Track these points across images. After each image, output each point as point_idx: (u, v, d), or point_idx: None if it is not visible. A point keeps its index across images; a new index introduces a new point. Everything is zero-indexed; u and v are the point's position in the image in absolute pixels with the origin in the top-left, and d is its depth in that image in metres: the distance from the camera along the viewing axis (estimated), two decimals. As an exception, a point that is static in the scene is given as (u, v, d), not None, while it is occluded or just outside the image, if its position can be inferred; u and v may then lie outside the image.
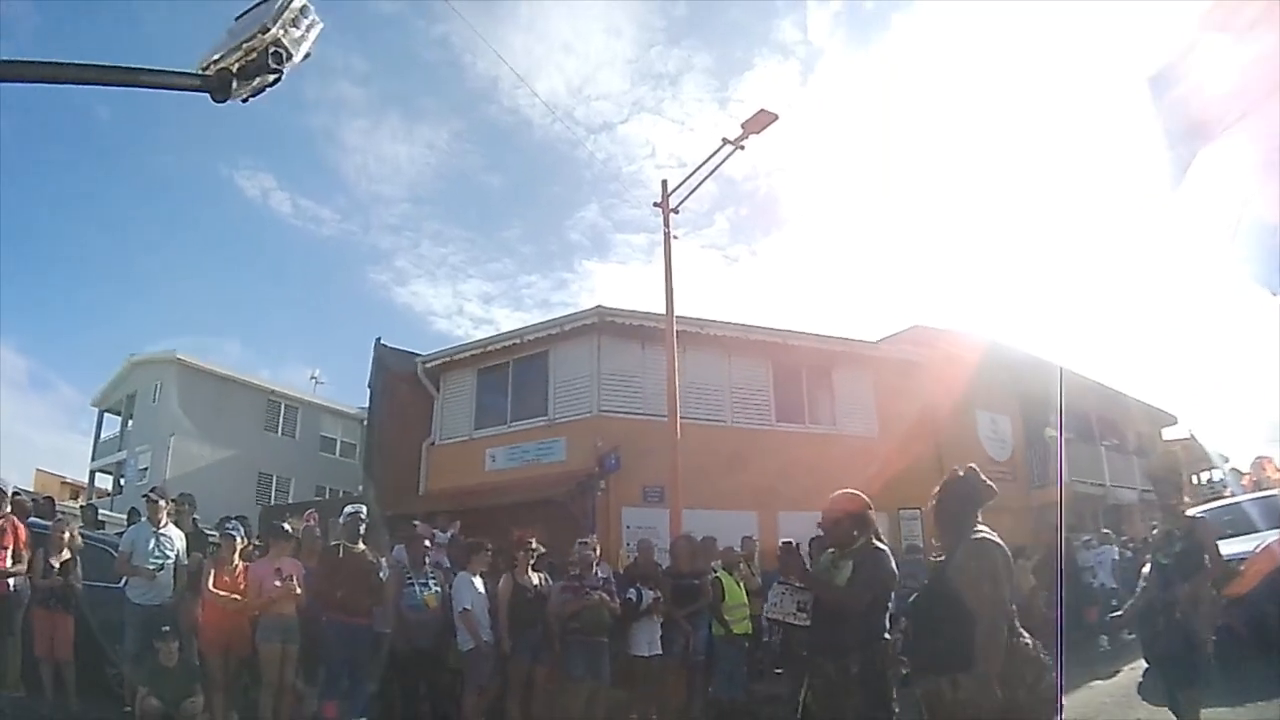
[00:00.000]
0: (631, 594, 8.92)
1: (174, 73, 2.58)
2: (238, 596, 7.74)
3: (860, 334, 19.36)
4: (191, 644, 7.72)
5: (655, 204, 13.37)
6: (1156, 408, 26.42)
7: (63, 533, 8.23)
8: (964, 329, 19.24)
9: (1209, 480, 28.02)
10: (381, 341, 18.33)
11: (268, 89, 2.65)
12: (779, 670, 8.69)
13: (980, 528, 3.59)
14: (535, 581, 8.61)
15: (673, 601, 9.15)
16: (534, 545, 8.77)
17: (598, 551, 9.30)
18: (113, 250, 60.27)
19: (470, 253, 73.54)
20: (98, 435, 31.07)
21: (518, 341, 15.75)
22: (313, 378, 32.11)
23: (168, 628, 7.60)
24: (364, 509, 8.68)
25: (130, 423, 29.07)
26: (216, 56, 2.63)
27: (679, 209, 13.20)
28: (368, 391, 19.51)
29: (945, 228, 70.67)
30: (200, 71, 2.61)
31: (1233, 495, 13.16)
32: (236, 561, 8.00)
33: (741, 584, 9.75)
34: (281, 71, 2.66)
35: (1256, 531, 9.84)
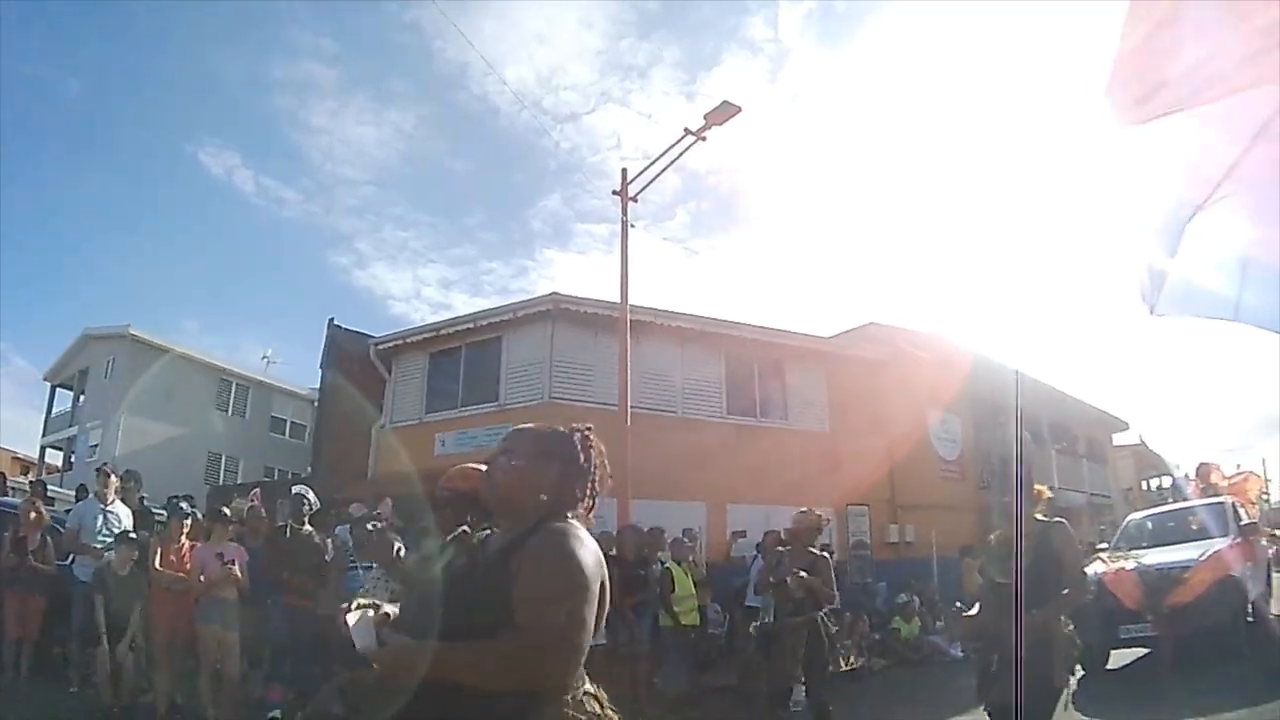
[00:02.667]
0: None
1: None
2: (183, 576, 7.61)
3: (816, 329, 19.46)
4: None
5: (614, 192, 13.31)
6: (1107, 413, 26.82)
7: (32, 512, 8.07)
8: (918, 328, 19.39)
9: (1159, 486, 28.53)
10: (334, 322, 18.16)
11: None
12: None
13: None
14: (476, 566, 8.58)
15: (620, 591, 9.16)
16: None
17: None
18: (74, 224, 59.15)
19: (432, 238, 73.07)
20: (49, 410, 30.51)
21: (471, 326, 15.61)
22: (264, 357, 31.83)
23: (133, 535, 7.69)
24: (310, 490, 8.65)
25: (82, 398, 28.60)
26: None
27: (638, 198, 13.14)
28: (319, 373, 19.35)
29: (904, 227, 71.32)
30: None
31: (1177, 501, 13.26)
32: (183, 541, 7.85)
33: (689, 575, 9.79)
34: None
35: (1203, 539, 9.85)
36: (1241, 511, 10.81)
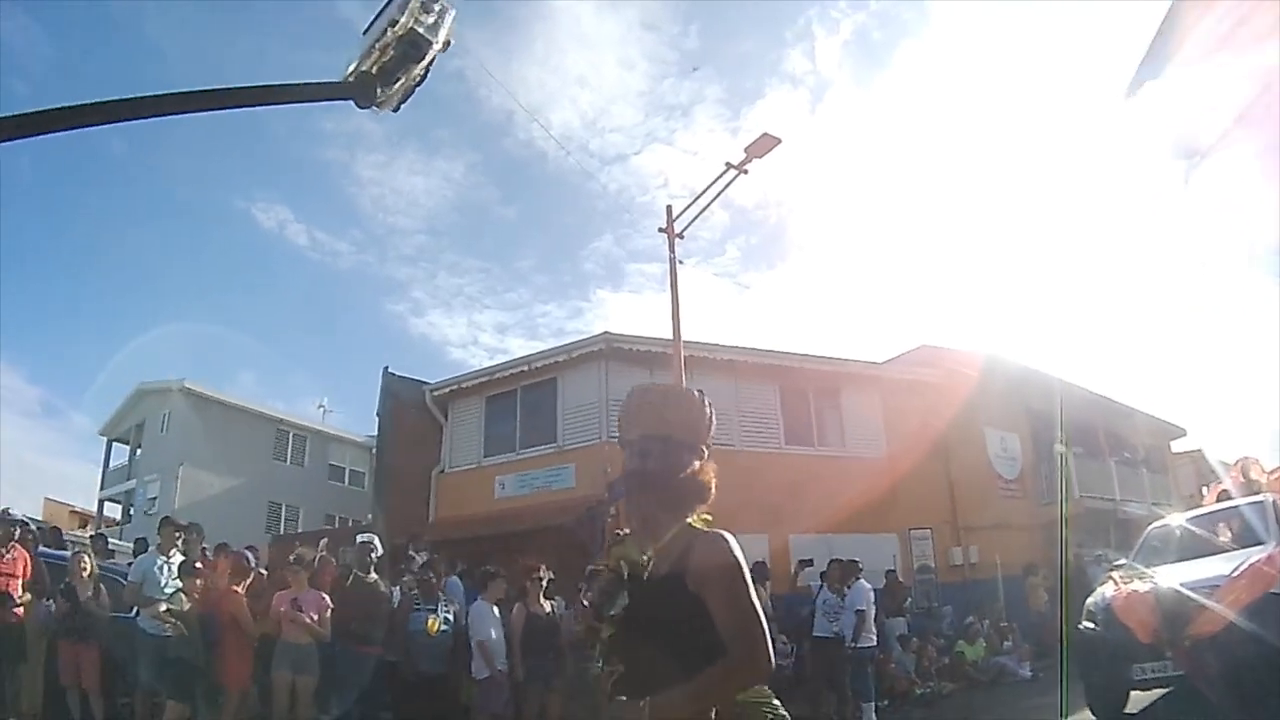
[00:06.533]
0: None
1: (317, 85, 2.53)
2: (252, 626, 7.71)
3: (868, 355, 19.37)
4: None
5: (660, 229, 13.42)
6: (1165, 420, 26.29)
7: (82, 563, 8.20)
8: (971, 347, 19.16)
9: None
10: (389, 370, 18.32)
11: (416, 88, 2.55)
12: None
13: None
14: (548, 609, 8.69)
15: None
16: (542, 573, 8.84)
17: None
18: (129, 281, 60.38)
19: (486, 283, 73.63)
20: (106, 464, 31.02)
21: (525, 369, 15.76)
22: (320, 406, 32.10)
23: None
24: (376, 538, 8.79)
25: (139, 451, 29.07)
26: (355, 62, 2.56)
27: (684, 234, 13.26)
28: (376, 420, 19.50)
29: (952, 248, 70.74)
30: (344, 80, 2.55)
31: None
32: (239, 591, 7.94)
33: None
34: (422, 60, 2.55)
35: (1239, 547, 7.69)
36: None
